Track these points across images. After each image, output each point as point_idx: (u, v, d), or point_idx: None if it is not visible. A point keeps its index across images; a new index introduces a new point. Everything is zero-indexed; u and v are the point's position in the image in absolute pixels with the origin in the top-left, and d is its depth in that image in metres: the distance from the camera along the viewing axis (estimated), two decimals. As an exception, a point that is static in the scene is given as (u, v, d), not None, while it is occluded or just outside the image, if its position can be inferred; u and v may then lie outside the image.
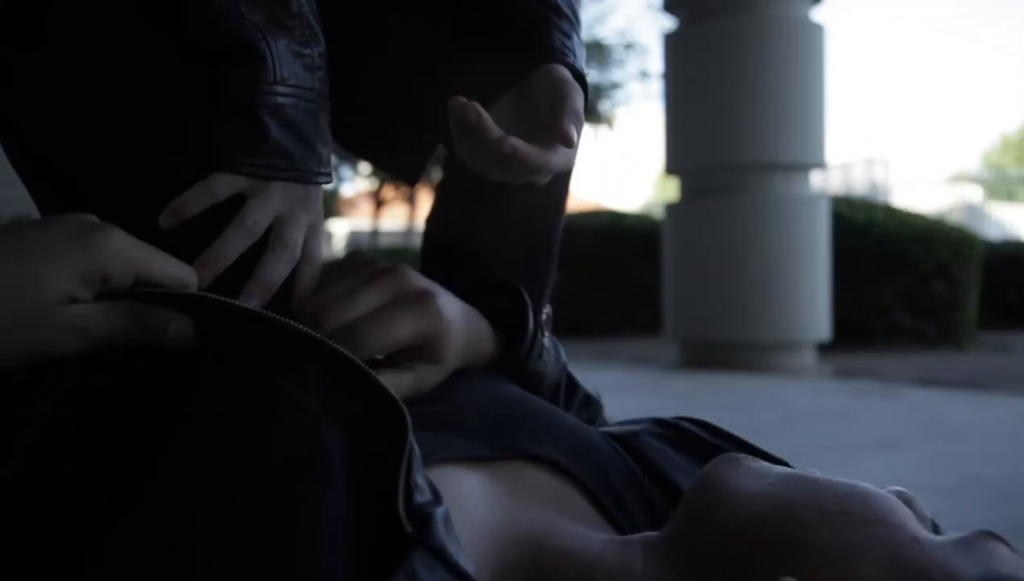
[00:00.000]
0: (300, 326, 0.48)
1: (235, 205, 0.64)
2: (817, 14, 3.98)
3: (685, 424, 0.66)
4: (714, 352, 3.75)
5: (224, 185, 0.64)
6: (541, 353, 0.72)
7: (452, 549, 0.39)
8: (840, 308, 4.23)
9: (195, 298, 0.51)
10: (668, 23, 4.22)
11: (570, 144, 0.69)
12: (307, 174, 0.66)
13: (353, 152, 1.07)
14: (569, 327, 5.38)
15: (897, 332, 4.72)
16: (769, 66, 3.69)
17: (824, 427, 2.36)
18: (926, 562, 0.41)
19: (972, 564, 0.41)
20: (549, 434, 0.58)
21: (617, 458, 0.59)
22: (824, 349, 4.06)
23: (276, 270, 0.64)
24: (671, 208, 4.06)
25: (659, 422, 0.66)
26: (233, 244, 0.63)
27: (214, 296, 0.51)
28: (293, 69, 0.65)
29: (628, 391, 2.93)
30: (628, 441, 0.62)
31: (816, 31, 3.82)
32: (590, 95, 0.81)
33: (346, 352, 0.47)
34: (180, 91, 0.66)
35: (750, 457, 0.50)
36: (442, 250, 1.02)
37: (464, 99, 0.65)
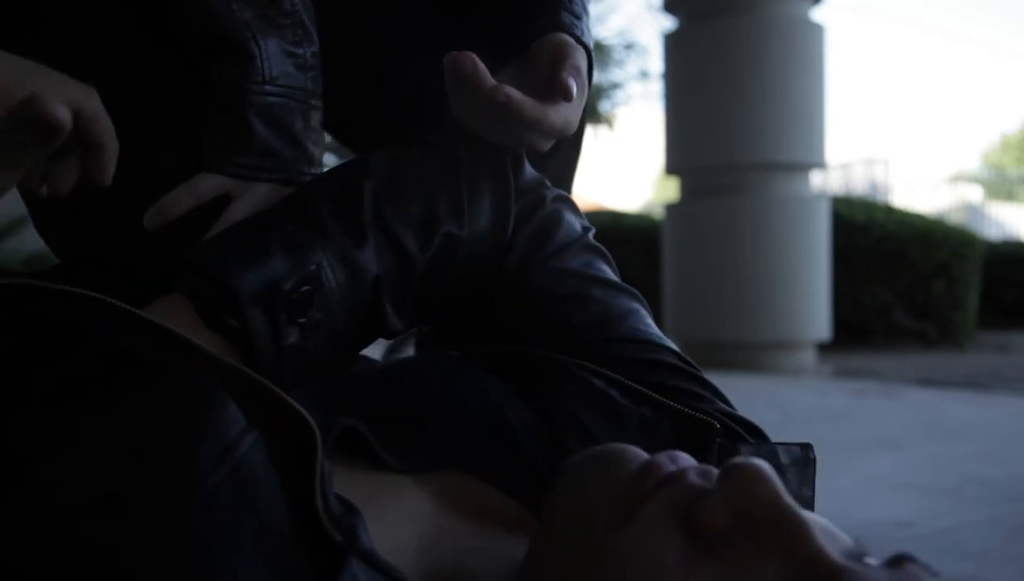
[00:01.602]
0: (202, 345, 0.44)
1: (221, 205, 0.64)
2: (817, 14, 3.98)
3: (612, 393, 0.58)
4: (714, 352, 3.75)
5: (209, 185, 0.64)
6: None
7: (380, 554, 0.39)
8: (840, 308, 4.24)
9: (91, 299, 0.45)
10: (668, 23, 4.22)
11: (568, 96, 0.65)
12: (295, 174, 0.66)
13: (353, 149, 1.07)
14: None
15: (897, 332, 4.72)
16: (769, 66, 3.69)
17: (824, 427, 2.36)
18: None
19: None
20: (471, 435, 0.54)
21: (548, 449, 0.55)
22: (824, 349, 4.06)
23: None
24: (671, 208, 4.06)
25: (594, 389, 0.58)
26: None
27: (114, 302, 0.45)
28: (283, 68, 0.65)
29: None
30: (555, 417, 0.57)
31: (816, 31, 3.82)
32: (590, 95, 0.81)
33: (249, 371, 0.43)
34: (165, 90, 0.66)
35: (613, 457, 0.42)
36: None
37: (458, 52, 0.63)
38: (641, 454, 0.42)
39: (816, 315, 3.78)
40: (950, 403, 2.80)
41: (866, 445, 2.07)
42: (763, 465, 0.38)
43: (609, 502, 0.40)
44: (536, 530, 0.44)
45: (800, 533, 0.36)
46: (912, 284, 4.72)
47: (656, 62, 13.51)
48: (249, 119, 0.63)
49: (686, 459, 0.42)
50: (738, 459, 0.38)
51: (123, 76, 0.66)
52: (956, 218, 10.41)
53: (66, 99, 0.49)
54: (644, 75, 12.17)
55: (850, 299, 4.50)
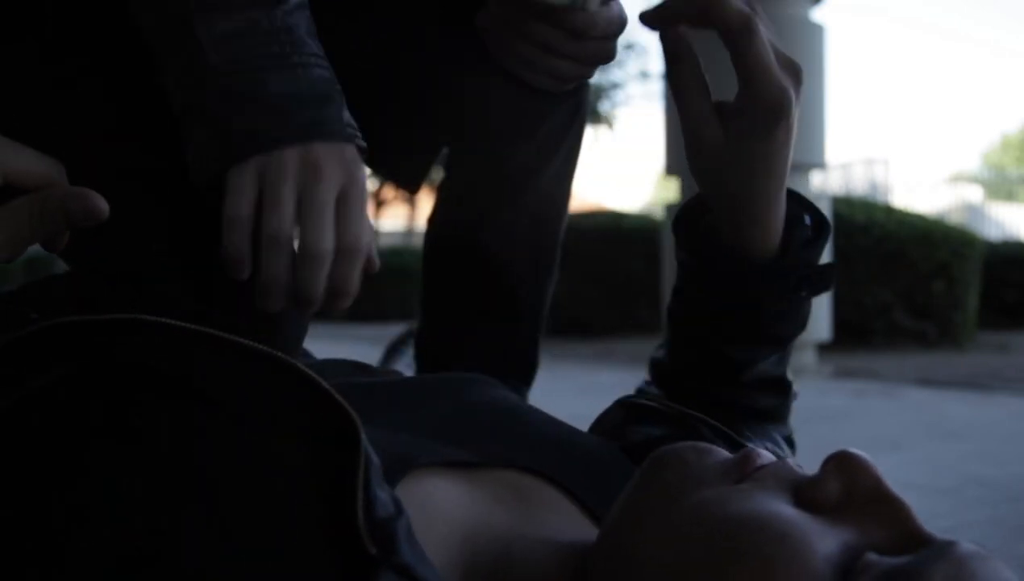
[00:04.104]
0: (231, 336, 0.43)
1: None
2: (817, 14, 3.98)
3: (718, 441, 0.62)
4: (714, 352, 3.75)
5: (241, 200, 0.60)
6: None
7: (419, 568, 0.37)
8: (840, 308, 4.23)
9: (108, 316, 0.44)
10: (668, 23, 4.22)
11: None
12: (323, 132, 0.62)
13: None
14: (569, 327, 5.38)
15: (897, 332, 4.72)
16: (769, 66, 3.69)
17: (824, 427, 2.36)
18: None
19: None
20: (542, 442, 0.56)
21: (624, 463, 0.58)
22: (824, 349, 4.06)
23: (288, 274, 0.61)
24: (671, 208, 4.06)
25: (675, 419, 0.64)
26: (277, 266, 0.60)
27: (128, 315, 0.44)
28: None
29: (629, 391, 2.92)
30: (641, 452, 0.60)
31: (816, 31, 3.82)
32: (590, 97, 0.81)
33: (290, 359, 0.42)
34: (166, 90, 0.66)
35: (699, 455, 0.45)
36: (445, 250, 1.02)
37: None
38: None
39: (816, 315, 3.77)
40: (950, 403, 2.80)
41: (866, 445, 2.06)
42: (866, 455, 0.42)
43: (715, 473, 0.43)
44: (618, 505, 0.45)
45: (901, 510, 0.41)
46: (912, 284, 4.72)
47: (656, 62, 13.51)
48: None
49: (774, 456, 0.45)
50: (842, 449, 0.43)
51: (123, 76, 0.66)
52: (956, 218, 10.42)
53: (38, 177, 0.48)
54: (644, 75, 12.18)
55: (850, 299, 4.50)
